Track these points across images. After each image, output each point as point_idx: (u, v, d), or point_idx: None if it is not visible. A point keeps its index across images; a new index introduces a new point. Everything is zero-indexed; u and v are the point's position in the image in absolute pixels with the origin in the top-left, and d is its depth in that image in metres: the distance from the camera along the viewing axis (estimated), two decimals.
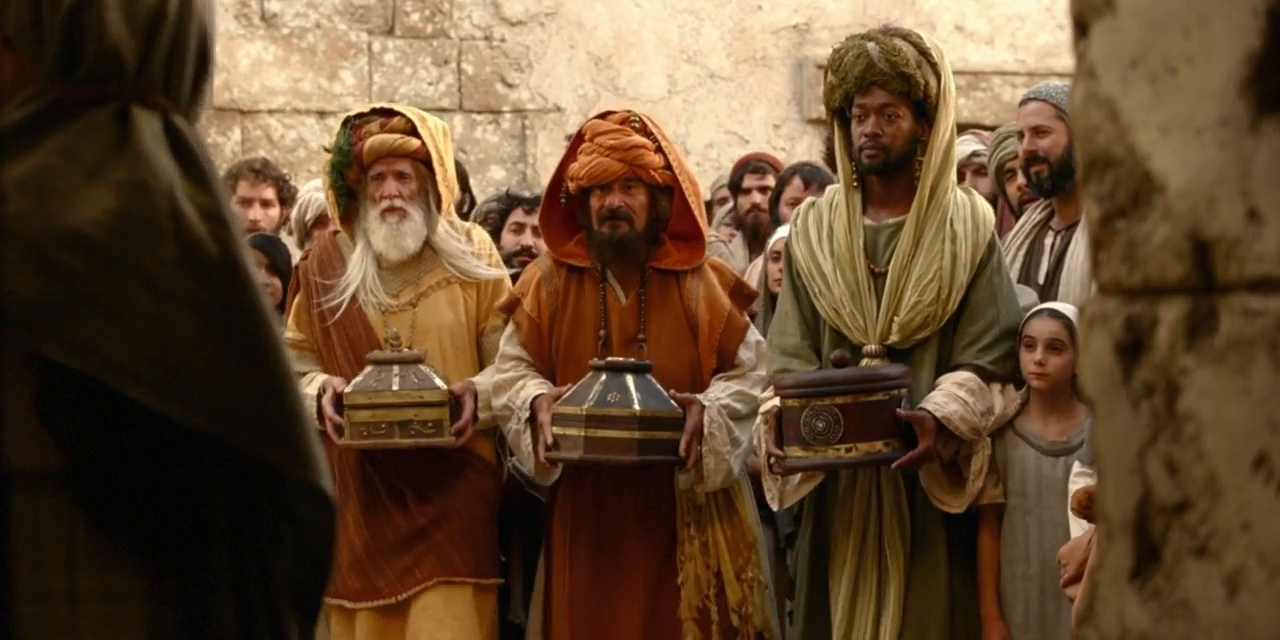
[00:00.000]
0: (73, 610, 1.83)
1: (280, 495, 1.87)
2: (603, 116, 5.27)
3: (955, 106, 4.96)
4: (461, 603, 5.28)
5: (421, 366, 5.22)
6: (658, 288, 5.25)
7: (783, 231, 6.17)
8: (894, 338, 4.80)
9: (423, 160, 5.35)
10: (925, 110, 4.84)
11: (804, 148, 9.59)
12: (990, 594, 4.93)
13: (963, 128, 7.80)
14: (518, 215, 6.46)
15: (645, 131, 5.16)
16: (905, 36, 4.86)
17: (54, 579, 1.82)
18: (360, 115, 5.45)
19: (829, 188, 5.13)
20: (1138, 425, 1.43)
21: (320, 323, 5.38)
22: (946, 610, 4.83)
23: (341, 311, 5.35)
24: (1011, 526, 4.93)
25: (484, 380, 5.31)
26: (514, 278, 5.52)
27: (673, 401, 5.06)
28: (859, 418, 4.61)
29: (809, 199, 5.16)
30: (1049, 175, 5.37)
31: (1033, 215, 5.57)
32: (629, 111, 5.24)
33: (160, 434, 1.80)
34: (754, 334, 5.24)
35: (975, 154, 6.40)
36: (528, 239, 6.33)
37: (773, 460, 4.75)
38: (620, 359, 5.11)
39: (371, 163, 5.32)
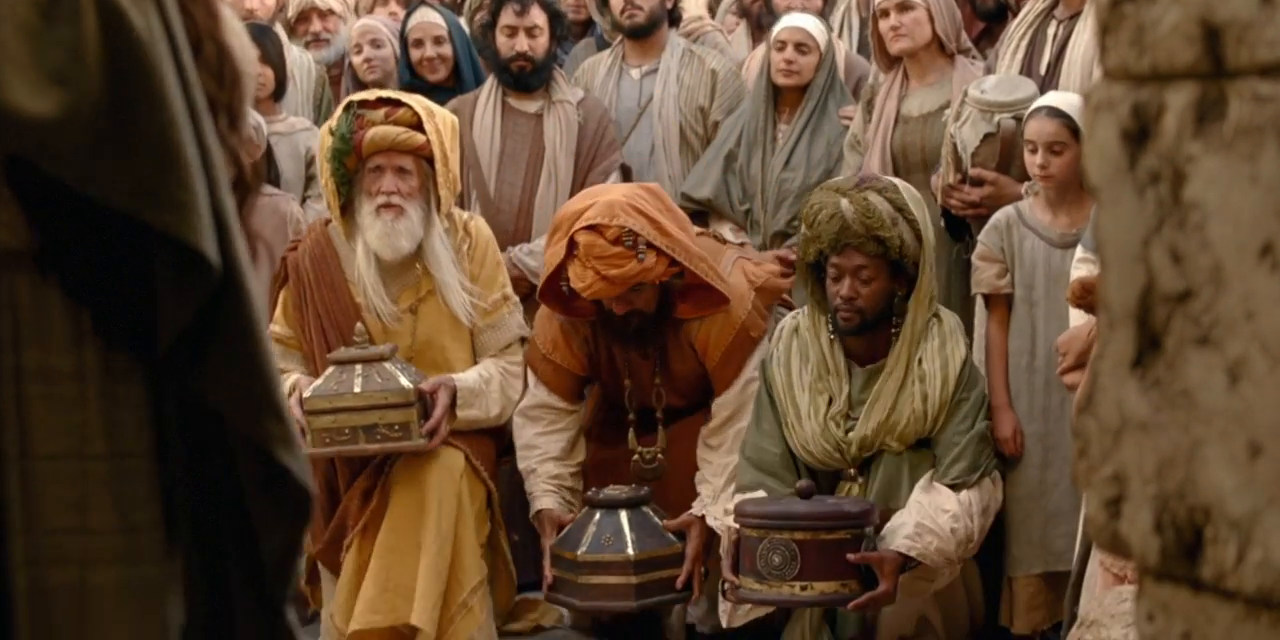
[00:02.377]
0: (80, 389, 1.83)
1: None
2: (593, 229, 4.88)
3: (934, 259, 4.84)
4: (453, 458, 5.05)
5: (386, 364, 4.90)
6: (671, 335, 5.14)
7: (786, 21, 6.09)
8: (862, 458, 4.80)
9: (426, 157, 5.05)
10: (903, 266, 4.73)
11: None
12: (1000, 383, 4.97)
13: None
14: (508, 17, 6.17)
15: (640, 242, 4.86)
16: (881, 191, 4.71)
17: (62, 358, 1.82)
18: (365, 102, 5.11)
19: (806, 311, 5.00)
20: (1142, 213, 1.41)
21: (316, 321, 5.13)
22: None
23: (339, 313, 5.12)
24: (1018, 318, 4.96)
25: (468, 377, 5.09)
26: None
27: (670, 535, 5.00)
28: (817, 556, 4.51)
29: (791, 321, 5.00)
30: None
31: (1036, 4, 5.49)
32: (620, 227, 4.85)
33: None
34: (747, 372, 5.09)
35: None
36: (522, 43, 6.14)
37: (726, 586, 4.68)
38: (615, 494, 5.04)
39: (371, 154, 5.02)
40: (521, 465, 5.23)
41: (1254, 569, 1.33)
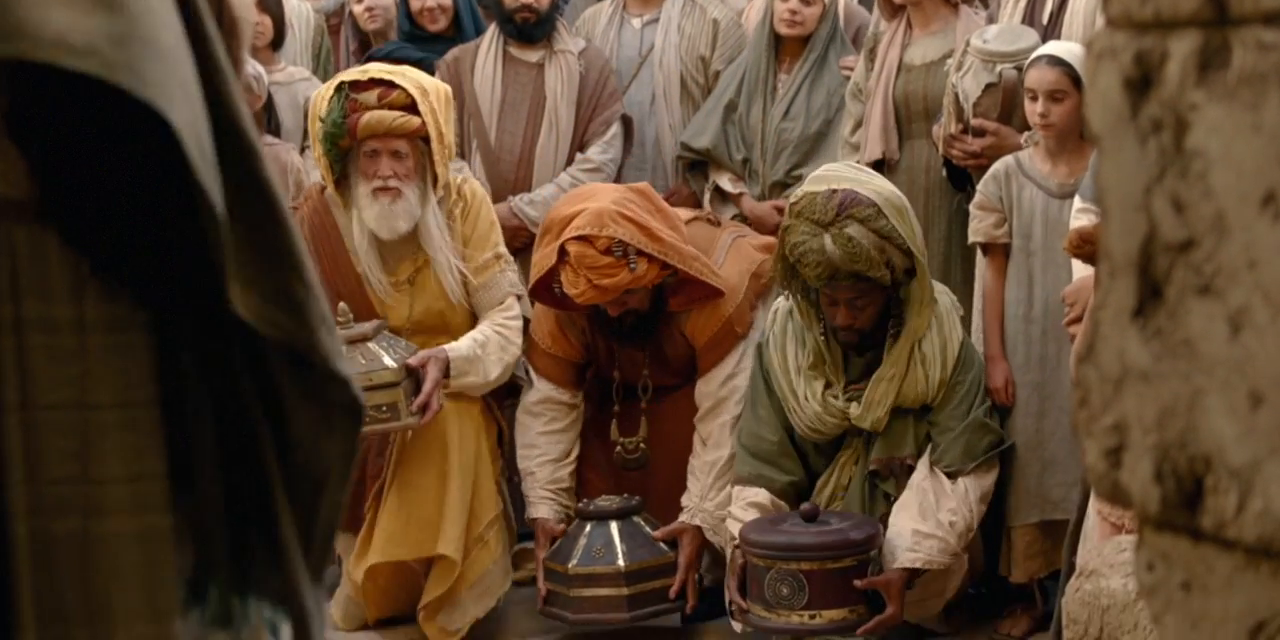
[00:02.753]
0: (81, 340, 1.82)
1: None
2: (583, 239, 4.87)
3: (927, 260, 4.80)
4: (470, 409, 5.07)
5: (370, 344, 4.83)
6: (663, 326, 5.16)
7: None
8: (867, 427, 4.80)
9: (422, 137, 4.99)
10: (896, 280, 4.67)
11: None
12: (994, 333, 4.97)
13: None
14: None
15: (631, 251, 4.87)
16: (863, 221, 4.59)
17: (62, 309, 1.82)
18: (356, 83, 5.01)
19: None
20: (1144, 162, 1.41)
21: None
22: None
23: (340, 283, 5.08)
24: (1016, 268, 4.96)
25: (461, 346, 5.04)
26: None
27: (661, 545, 4.99)
28: (824, 585, 4.52)
29: (785, 303, 4.96)
30: None
31: None
32: (610, 238, 4.85)
33: (126, 157, 1.76)
34: (727, 367, 5.11)
35: None
36: None
37: (734, 608, 4.68)
38: (605, 505, 5.03)
39: (365, 138, 4.95)
40: (521, 465, 5.25)
41: (1254, 518, 1.33)
